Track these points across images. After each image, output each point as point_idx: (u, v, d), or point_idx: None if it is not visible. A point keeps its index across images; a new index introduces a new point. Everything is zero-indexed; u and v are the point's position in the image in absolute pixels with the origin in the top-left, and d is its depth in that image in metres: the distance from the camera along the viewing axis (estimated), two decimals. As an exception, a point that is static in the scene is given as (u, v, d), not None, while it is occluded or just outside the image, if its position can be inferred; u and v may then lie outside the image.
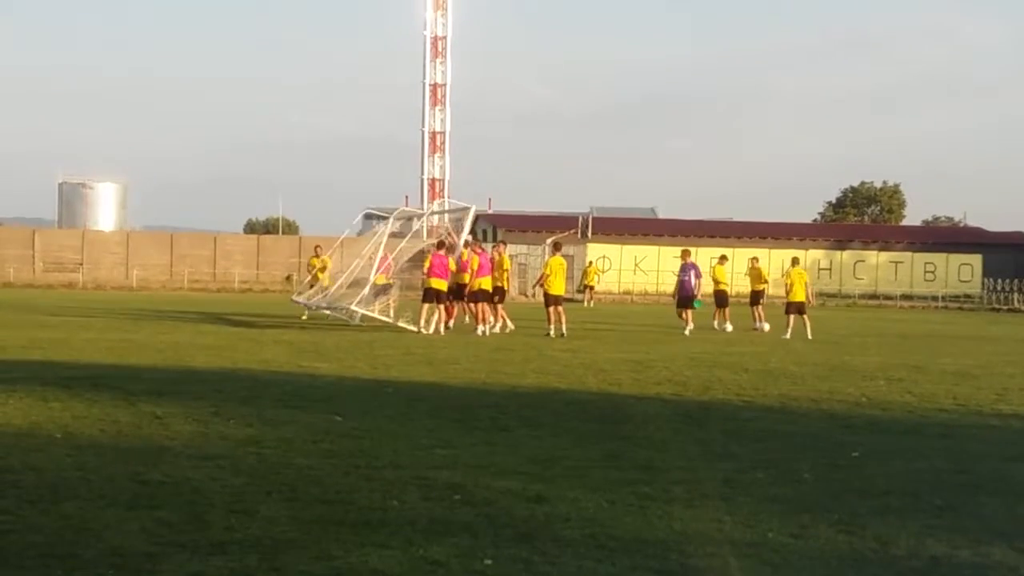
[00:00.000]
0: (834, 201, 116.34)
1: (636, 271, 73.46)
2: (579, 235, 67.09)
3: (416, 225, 38.12)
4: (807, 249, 79.26)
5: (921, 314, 59.86)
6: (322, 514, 8.00)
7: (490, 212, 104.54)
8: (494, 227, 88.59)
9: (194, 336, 25.53)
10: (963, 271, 77.95)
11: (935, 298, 72.23)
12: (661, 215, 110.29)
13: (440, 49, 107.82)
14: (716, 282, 35.34)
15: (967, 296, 73.90)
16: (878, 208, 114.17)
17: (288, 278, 67.27)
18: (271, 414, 12.84)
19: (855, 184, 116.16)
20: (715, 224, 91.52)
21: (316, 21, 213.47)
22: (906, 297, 73.24)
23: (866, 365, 21.52)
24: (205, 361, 19.33)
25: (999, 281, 70.45)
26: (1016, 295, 68.20)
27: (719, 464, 10.31)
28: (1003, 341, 32.63)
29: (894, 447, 11.70)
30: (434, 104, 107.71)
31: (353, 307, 28.77)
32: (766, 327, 33.42)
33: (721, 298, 35.02)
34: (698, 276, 32.43)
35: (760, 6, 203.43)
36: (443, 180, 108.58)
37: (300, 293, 36.23)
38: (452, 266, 29.38)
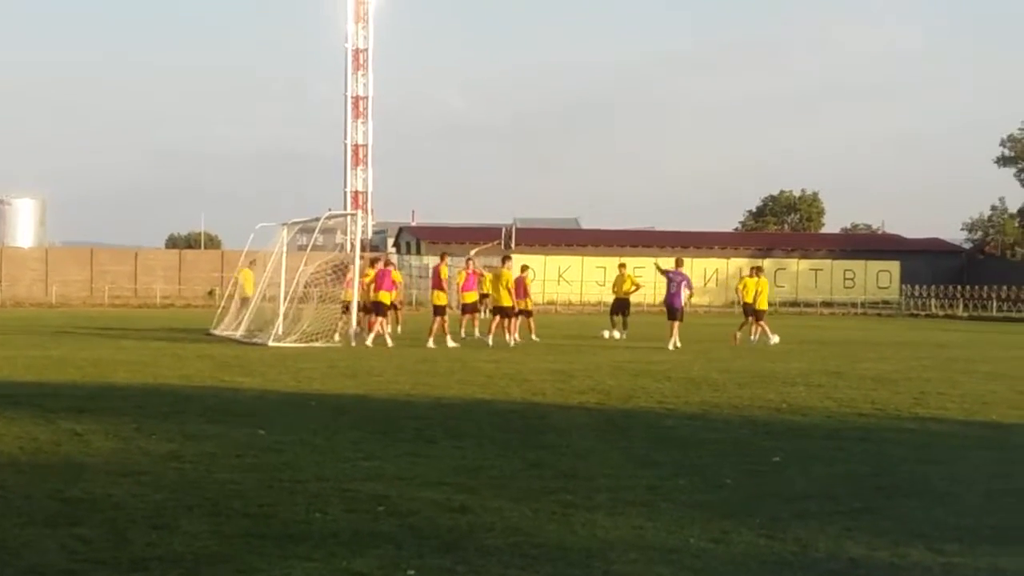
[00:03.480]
0: (754, 210, 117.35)
1: (560, 281, 73.62)
2: (502, 246, 67.07)
3: (340, 238, 37.96)
4: (729, 258, 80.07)
5: (841, 320, 60.59)
6: (245, 528, 7.97)
7: (414, 224, 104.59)
8: (418, 239, 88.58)
9: (115, 352, 25.25)
10: (881, 278, 78.97)
11: (854, 304, 73.12)
12: (584, 225, 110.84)
13: (362, 62, 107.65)
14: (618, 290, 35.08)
15: (885, 302, 74.89)
16: (798, 216, 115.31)
17: (211, 293, 66.69)
18: (193, 429, 12.74)
19: (775, 193, 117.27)
20: (638, 234, 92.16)
21: (236, 32, 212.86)
22: (826, 304, 74.12)
23: (787, 371, 21.74)
24: (126, 377, 19.13)
25: (916, 287, 71.46)
26: (933, 301, 69.26)
27: (642, 472, 10.38)
28: (920, 346, 33.10)
29: (814, 452, 11.85)
30: (356, 117, 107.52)
31: (270, 343, 28.29)
32: (616, 335, 33.28)
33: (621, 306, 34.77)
34: (688, 287, 31.68)
35: (673, 14, 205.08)
36: (366, 193, 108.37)
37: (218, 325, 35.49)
38: (398, 278, 30.10)
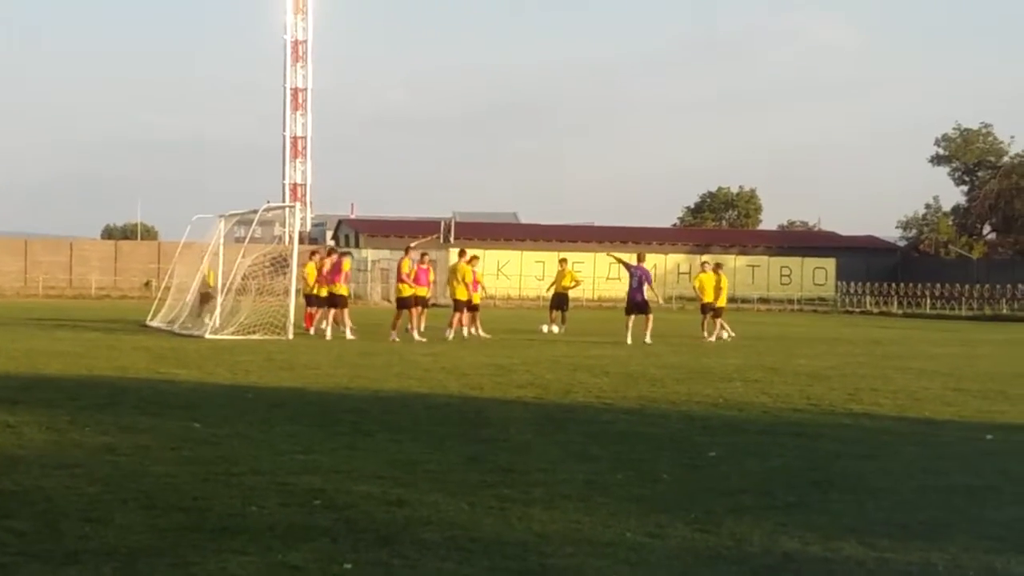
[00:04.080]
0: (692, 206, 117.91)
1: (499, 275, 73.62)
2: (441, 240, 66.95)
3: (278, 231, 37.80)
4: (667, 253, 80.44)
5: (777, 316, 61.02)
6: (179, 521, 7.91)
7: (353, 217, 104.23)
8: (356, 232, 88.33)
9: (49, 343, 24.99)
10: (817, 275, 79.68)
11: (791, 301, 73.69)
12: (522, 220, 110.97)
13: (301, 53, 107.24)
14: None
15: (821, 299, 75.51)
16: (735, 213, 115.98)
17: (147, 284, 66.14)
18: (128, 421, 12.65)
19: (712, 189, 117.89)
20: (576, 229, 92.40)
21: (175, 21, 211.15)
22: (763, 300, 74.60)
23: (724, 367, 21.88)
24: (60, 368, 18.95)
25: (852, 284, 72.10)
26: (868, 298, 69.86)
27: (579, 466, 10.41)
28: (855, 343, 33.41)
29: (750, 447, 11.93)
30: (295, 108, 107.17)
31: (206, 335, 28.11)
32: (555, 330, 33.37)
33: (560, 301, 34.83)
34: (648, 282, 31.48)
35: (621, 9, 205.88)
36: (305, 185, 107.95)
37: (153, 317, 35.29)
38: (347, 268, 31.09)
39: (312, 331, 30.54)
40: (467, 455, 10.87)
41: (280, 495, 8.78)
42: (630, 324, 30.08)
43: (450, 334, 29.66)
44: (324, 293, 31.08)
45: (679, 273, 78.56)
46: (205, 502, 8.51)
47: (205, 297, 32.57)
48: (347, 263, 31.42)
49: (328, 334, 29.14)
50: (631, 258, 32.25)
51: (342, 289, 30.63)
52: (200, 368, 19.53)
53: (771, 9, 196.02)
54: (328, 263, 31.46)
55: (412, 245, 33.87)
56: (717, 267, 34.93)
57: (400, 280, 29.94)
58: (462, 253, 32.45)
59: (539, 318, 35.83)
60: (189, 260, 36.61)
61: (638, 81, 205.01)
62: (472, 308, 31.37)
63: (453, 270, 31.80)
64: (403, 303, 29.86)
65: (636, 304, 30.73)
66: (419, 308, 30.37)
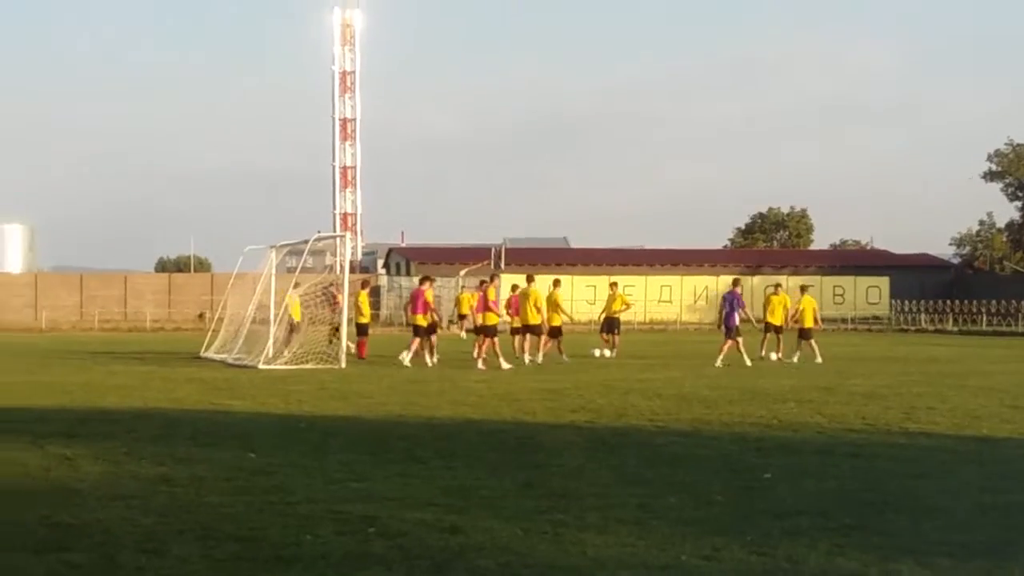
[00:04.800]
0: (743, 227, 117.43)
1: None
2: (492, 266, 67.08)
3: (329, 260, 37.98)
4: (718, 275, 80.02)
5: (831, 336, 60.48)
6: (235, 551, 7.95)
7: (403, 245, 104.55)
8: (407, 260, 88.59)
9: (105, 376, 25.21)
10: (871, 293, 78.96)
11: (844, 320, 73.09)
12: (573, 244, 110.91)
13: (349, 84, 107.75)
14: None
15: (875, 318, 74.85)
16: (786, 233, 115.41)
17: (201, 316, 66.57)
18: (183, 452, 12.73)
19: (763, 210, 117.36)
20: (627, 252, 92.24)
21: (223, 55, 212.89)
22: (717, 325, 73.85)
23: (777, 388, 21.75)
24: (116, 401, 19.10)
25: (906, 302, 71.53)
26: (922, 315, 69.31)
27: (632, 489, 10.37)
28: (910, 361, 33.12)
29: (805, 468, 11.85)
30: (344, 139, 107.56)
31: (261, 365, 28.23)
32: (607, 353, 33.31)
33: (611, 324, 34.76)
34: (740, 306, 31.62)
35: (668, 31, 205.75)
36: (355, 214, 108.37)
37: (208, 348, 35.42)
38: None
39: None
40: (520, 481, 10.86)
41: (334, 523, 8.80)
42: (725, 349, 30.42)
43: (539, 358, 30.35)
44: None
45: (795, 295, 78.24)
46: (260, 532, 8.54)
47: (293, 328, 32.31)
48: (428, 293, 31.25)
49: (428, 361, 29.16)
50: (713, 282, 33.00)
51: (423, 320, 30.47)
52: (254, 399, 19.63)
53: (824, 28, 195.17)
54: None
55: (463, 272, 33.96)
56: (803, 288, 35.72)
57: (487, 308, 29.74)
58: (529, 279, 32.30)
59: (591, 342, 35.72)
60: (242, 291, 36.82)
61: (687, 102, 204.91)
62: (552, 333, 31.65)
63: (524, 295, 31.62)
64: (490, 331, 29.57)
65: (727, 328, 31.05)
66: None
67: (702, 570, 7.53)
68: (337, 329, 30.89)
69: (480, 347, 29.06)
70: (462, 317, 54.53)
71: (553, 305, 31.79)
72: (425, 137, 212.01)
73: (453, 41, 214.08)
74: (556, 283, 33.65)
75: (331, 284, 35.01)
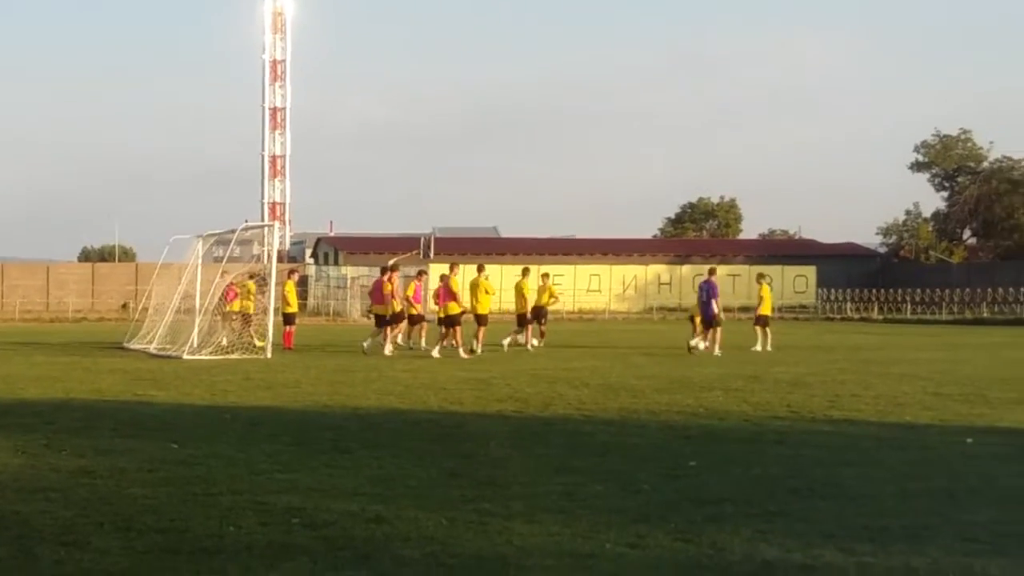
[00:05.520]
0: (673, 217, 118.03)
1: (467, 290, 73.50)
2: (421, 255, 66.98)
3: (256, 249, 37.71)
4: (647, 264, 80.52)
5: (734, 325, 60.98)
6: (157, 543, 7.86)
7: (332, 235, 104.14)
8: (336, 250, 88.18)
9: (26, 367, 24.83)
10: (798, 282, 79.65)
11: (772, 309, 73.68)
12: (503, 234, 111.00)
13: (279, 73, 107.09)
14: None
15: (802, 306, 75.50)
16: (716, 223, 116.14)
17: (125, 306, 65.87)
18: (105, 444, 12.57)
19: (693, 200, 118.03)
20: (557, 242, 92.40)
21: (151, 42, 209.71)
22: (744, 309, 74.42)
23: (704, 376, 21.86)
24: (37, 392, 18.83)
25: (832, 291, 72.23)
26: (848, 304, 69.98)
27: (559, 478, 10.38)
28: (836, 349, 33.45)
29: (730, 455, 11.92)
30: (274, 128, 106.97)
31: (185, 356, 27.96)
32: (535, 343, 33.42)
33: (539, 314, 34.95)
34: (715, 296, 31.77)
35: (596, 25, 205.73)
36: (284, 204, 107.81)
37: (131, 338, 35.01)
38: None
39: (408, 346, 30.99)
40: (447, 470, 10.83)
41: (259, 514, 8.72)
42: (702, 335, 31.06)
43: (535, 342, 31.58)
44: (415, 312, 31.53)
45: (660, 284, 78.73)
46: (183, 523, 8.45)
47: (247, 319, 32.16)
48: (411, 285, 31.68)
49: (435, 352, 28.94)
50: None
51: (411, 308, 31.48)
52: (177, 389, 19.44)
53: (752, 20, 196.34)
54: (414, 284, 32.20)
55: (391, 262, 33.93)
56: (760, 277, 36.14)
57: (452, 298, 29.70)
58: (480, 268, 32.68)
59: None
60: (167, 281, 36.44)
61: (617, 95, 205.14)
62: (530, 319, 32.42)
63: (475, 284, 31.79)
64: (453, 320, 29.51)
65: (705, 318, 31.44)
66: (424, 324, 31.82)
67: (627, 558, 7.54)
68: (248, 319, 30.92)
69: (451, 336, 29.19)
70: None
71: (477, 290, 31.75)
72: (356, 126, 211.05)
73: (386, 30, 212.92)
74: (526, 272, 34.43)
75: (253, 275, 34.73)
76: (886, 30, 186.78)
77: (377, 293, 31.40)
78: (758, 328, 33.72)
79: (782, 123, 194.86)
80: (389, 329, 30.52)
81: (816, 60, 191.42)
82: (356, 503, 9.15)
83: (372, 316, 32.25)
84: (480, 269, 31.60)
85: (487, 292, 30.76)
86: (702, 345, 31.28)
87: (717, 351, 30.02)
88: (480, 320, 30.30)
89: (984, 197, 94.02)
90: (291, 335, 32.70)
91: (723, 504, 9.19)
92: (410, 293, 32.27)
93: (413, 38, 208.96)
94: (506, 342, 31.52)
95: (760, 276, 37.68)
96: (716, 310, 31.19)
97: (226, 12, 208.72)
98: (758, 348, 32.18)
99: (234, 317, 32.01)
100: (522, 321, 32.67)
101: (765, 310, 34.55)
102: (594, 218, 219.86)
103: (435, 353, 28.04)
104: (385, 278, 31.44)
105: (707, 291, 31.73)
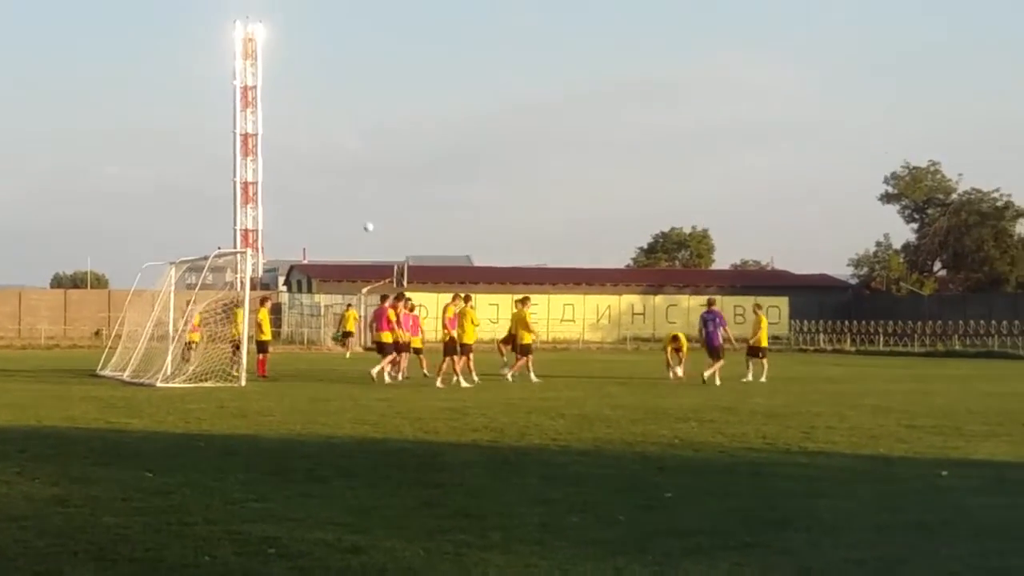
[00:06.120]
0: (645, 247, 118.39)
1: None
2: (395, 284, 66.88)
3: (229, 277, 37.62)
4: (621, 294, 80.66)
5: (731, 356, 61.08)
6: (131, 573, 7.82)
7: (305, 262, 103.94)
8: (308, 277, 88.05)
9: (-3, 394, 24.68)
10: (771, 313, 79.59)
11: (745, 340, 73.80)
12: (476, 263, 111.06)
13: (250, 99, 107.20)
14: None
15: (775, 337, 75.45)
16: (688, 253, 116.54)
17: (97, 333, 65.56)
18: (78, 472, 12.49)
19: (665, 230, 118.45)
20: (530, 271, 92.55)
21: (122, 67, 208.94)
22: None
23: (679, 407, 21.89)
24: (8, 419, 18.71)
25: (805, 322, 72.45)
26: (821, 336, 70.20)
27: (535, 509, 10.36)
28: (809, 381, 33.53)
29: (706, 487, 11.92)
30: (245, 154, 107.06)
31: (159, 383, 27.84)
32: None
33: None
34: (722, 324, 32.31)
35: (561, 55, 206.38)
36: (256, 231, 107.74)
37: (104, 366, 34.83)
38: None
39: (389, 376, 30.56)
40: (422, 500, 10.80)
41: (233, 544, 8.68)
42: (717, 367, 30.92)
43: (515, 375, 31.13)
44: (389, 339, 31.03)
45: (633, 314, 78.85)
46: (157, 553, 8.40)
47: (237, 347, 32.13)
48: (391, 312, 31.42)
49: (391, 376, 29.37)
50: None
51: (388, 337, 30.92)
52: (151, 417, 19.34)
53: (723, 50, 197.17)
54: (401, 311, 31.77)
55: (365, 290, 33.91)
56: (757, 307, 37.08)
57: (451, 325, 29.90)
58: (524, 300, 33.29)
59: (494, 361, 35.71)
60: (140, 308, 36.33)
61: (590, 124, 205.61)
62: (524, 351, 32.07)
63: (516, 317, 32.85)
64: (453, 349, 29.68)
65: (712, 348, 31.64)
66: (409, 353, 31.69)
67: (604, 590, 7.53)
68: (238, 346, 30.62)
69: (457, 364, 29.28)
70: (347, 335, 54.40)
71: (522, 323, 32.29)
72: (329, 153, 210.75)
73: (358, 59, 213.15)
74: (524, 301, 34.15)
75: (231, 302, 34.67)
76: (857, 62, 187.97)
77: (380, 321, 31.34)
78: (753, 359, 33.64)
79: (754, 154, 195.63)
80: (392, 357, 30.64)
81: (789, 90, 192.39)
82: (332, 533, 9.11)
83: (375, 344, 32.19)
84: (467, 299, 31.50)
85: (473, 323, 30.72)
86: (717, 379, 31.08)
87: (718, 380, 30.15)
88: (465, 350, 30.25)
89: (954, 229, 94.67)
90: (265, 363, 32.62)
91: (699, 536, 9.19)
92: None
93: (385, 67, 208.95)
94: (508, 372, 31.60)
95: (757, 306, 37.78)
96: (724, 337, 31.70)
97: (198, 38, 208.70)
98: (749, 378, 32.07)
99: (194, 346, 31.94)
100: (524, 351, 32.53)
101: (763, 341, 34.41)
102: (567, 248, 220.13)
103: (440, 383, 28.39)
104: (388, 305, 31.41)
105: (712, 321, 32.04)
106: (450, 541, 8.85)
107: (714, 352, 31.50)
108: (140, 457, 13.90)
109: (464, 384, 28.26)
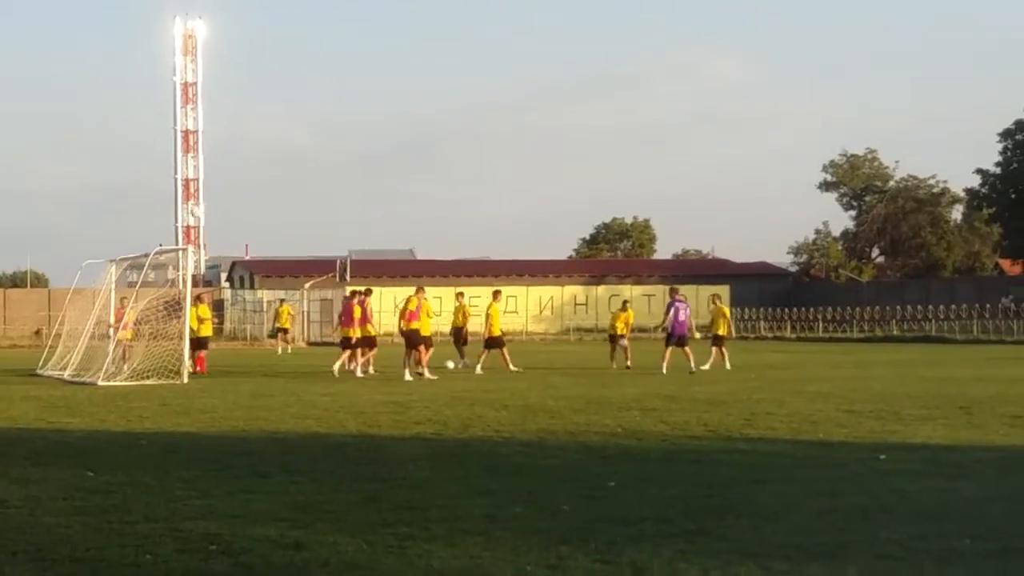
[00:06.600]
0: (588, 238, 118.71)
1: (395, 312, 73.31)
2: (337, 279, 66.59)
3: (171, 274, 37.37)
4: (563, 285, 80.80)
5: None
6: (71, 572, 7.77)
7: (247, 258, 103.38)
8: (251, 273, 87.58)
9: (-65, 396, 24.38)
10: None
11: (688, 328, 74.11)
12: (420, 256, 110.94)
13: (191, 95, 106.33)
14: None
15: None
16: (630, 243, 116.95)
17: (38, 332, 64.88)
18: (18, 472, 12.37)
19: (607, 220, 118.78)
20: (473, 263, 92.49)
21: (60, 65, 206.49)
22: (660, 328, 75.03)
23: (622, 397, 21.97)
24: (-53, 421, 18.49)
25: (746, 310, 72.85)
26: (762, 323, 70.64)
27: (479, 501, 10.37)
28: (750, 368, 33.71)
29: (648, 475, 11.99)
30: (186, 151, 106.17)
31: (100, 382, 27.60)
32: (459, 365, 33.54)
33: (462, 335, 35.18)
34: (688, 311, 32.58)
35: (509, 47, 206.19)
36: (198, 227, 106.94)
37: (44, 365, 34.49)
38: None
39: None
40: (365, 494, 10.78)
41: (175, 542, 8.63)
42: (668, 356, 31.10)
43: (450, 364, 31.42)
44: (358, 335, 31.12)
45: (576, 304, 79.02)
46: (98, 552, 8.34)
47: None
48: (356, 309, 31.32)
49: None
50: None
51: (354, 332, 31.06)
52: (92, 416, 19.19)
53: (663, 44, 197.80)
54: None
55: (308, 285, 33.82)
56: (716, 297, 37.89)
57: (412, 318, 29.94)
58: (496, 294, 34.19)
59: (441, 354, 35.69)
60: (80, 306, 35.97)
61: (533, 117, 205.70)
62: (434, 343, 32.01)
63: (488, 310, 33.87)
64: (416, 340, 29.76)
65: (680, 336, 31.74)
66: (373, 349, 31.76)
67: (548, 579, 7.55)
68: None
69: (419, 357, 29.39)
70: (282, 331, 54.13)
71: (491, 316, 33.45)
72: (271, 149, 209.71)
73: (300, 54, 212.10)
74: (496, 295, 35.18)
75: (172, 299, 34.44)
76: (794, 51, 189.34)
77: (347, 316, 31.26)
78: (715, 348, 33.94)
79: (694, 144, 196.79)
80: (360, 353, 30.86)
81: (726, 80, 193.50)
82: (275, 529, 9.08)
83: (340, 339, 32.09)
84: (420, 291, 31.45)
85: (428, 315, 30.74)
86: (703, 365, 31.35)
87: (694, 367, 30.52)
88: (427, 342, 30.24)
89: (891, 216, 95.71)
90: (203, 359, 32.49)
91: (642, 524, 9.24)
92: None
93: (327, 62, 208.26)
94: (478, 366, 31.68)
95: (716, 296, 37.95)
96: (686, 329, 32.03)
97: (137, 34, 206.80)
98: (707, 367, 32.16)
99: (126, 344, 31.64)
100: (490, 344, 32.85)
101: (723, 330, 34.56)
102: (510, 239, 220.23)
103: (408, 376, 28.55)
104: (355, 301, 31.38)
105: (684, 309, 32.46)
106: (393, 534, 8.84)
107: (682, 340, 31.47)
108: (81, 456, 13.77)
109: (408, 377, 28.29)
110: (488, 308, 33.67)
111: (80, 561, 8.07)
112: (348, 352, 30.92)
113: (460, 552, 8.27)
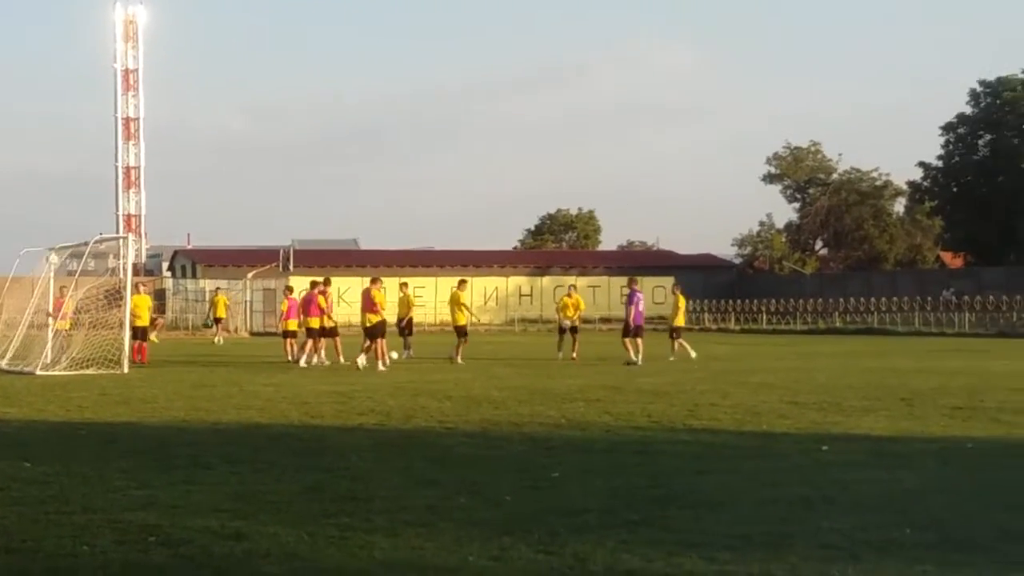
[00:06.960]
0: (533, 228, 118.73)
1: (340, 302, 73.08)
2: (280, 268, 66.22)
3: (112, 263, 37.00)
4: (508, 276, 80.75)
5: (619, 336, 61.53)
6: (6, 564, 7.65)
7: (189, 247, 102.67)
8: (193, 262, 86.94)
9: None
10: (656, 293, 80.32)
11: (663, 318, 74.36)
12: (363, 246, 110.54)
13: (132, 82, 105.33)
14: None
15: (661, 317, 76.16)
16: (575, 234, 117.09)
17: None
18: (-47, 463, 12.20)
19: (552, 211, 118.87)
20: (417, 253, 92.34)
21: None
22: (604, 320, 75.13)
23: (566, 388, 21.98)
24: None
25: (690, 301, 73.13)
26: (706, 315, 70.93)
27: (421, 492, 10.33)
28: (695, 359, 33.79)
29: (592, 466, 11.99)
30: (127, 138, 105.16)
31: (39, 371, 27.30)
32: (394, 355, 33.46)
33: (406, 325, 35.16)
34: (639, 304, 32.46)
35: (453, 36, 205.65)
36: (139, 216, 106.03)
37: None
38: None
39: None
40: (307, 485, 10.71)
41: (114, 533, 8.53)
42: (640, 345, 31.32)
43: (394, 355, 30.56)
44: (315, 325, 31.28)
45: (521, 295, 78.99)
46: (34, 543, 8.23)
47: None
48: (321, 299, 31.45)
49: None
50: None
51: (316, 322, 31.30)
52: (30, 405, 18.96)
53: (605, 31, 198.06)
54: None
55: (251, 275, 33.64)
56: (675, 287, 38.15)
57: (373, 310, 29.63)
58: (462, 283, 34.63)
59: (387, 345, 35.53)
60: (19, 295, 35.53)
61: (477, 107, 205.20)
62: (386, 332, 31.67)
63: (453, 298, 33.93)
64: (375, 331, 29.51)
65: (637, 327, 31.95)
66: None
67: (490, 571, 7.52)
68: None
69: (375, 348, 29.17)
70: (218, 320, 53.71)
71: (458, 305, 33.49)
72: (213, 137, 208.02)
73: (242, 41, 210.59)
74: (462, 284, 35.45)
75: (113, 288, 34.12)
76: (740, 43, 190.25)
77: (310, 306, 31.25)
78: (676, 340, 34.27)
79: (638, 135, 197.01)
80: (314, 343, 31.14)
81: (671, 72, 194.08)
82: (215, 519, 9.00)
83: (305, 329, 31.99)
84: (375, 282, 31.32)
85: (382, 306, 30.70)
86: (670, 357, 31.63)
87: (637, 358, 30.60)
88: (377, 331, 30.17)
89: (834, 208, 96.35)
90: (143, 349, 32.28)
91: (585, 515, 9.23)
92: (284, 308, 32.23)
93: (270, 49, 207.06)
94: (457, 356, 31.64)
95: (676, 286, 38.33)
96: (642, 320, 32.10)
97: (76, 19, 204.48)
98: (672, 359, 32.44)
99: (64, 334, 31.32)
100: (460, 332, 32.98)
101: (680, 320, 34.90)
102: (454, 230, 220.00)
103: (361, 362, 28.49)
104: (316, 291, 31.38)
105: (642, 300, 32.72)
106: (335, 525, 8.79)
107: (638, 331, 31.71)
108: (18, 447, 13.60)
109: (363, 363, 28.22)
110: (459, 298, 33.63)
111: (16, 552, 7.96)
112: (312, 341, 31.06)
113: (402, 543, 8.23)
